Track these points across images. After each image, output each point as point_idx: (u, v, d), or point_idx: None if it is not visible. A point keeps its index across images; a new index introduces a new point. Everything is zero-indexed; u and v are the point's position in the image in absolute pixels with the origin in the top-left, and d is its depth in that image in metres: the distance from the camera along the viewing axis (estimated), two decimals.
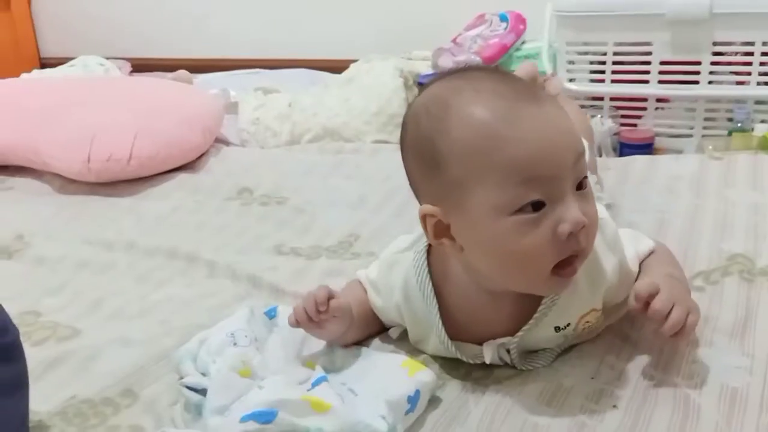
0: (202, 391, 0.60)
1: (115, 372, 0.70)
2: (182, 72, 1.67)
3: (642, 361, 0.67)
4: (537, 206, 0.57)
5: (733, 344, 0.67)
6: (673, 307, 0.61)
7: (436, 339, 0.67)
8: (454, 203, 0.59)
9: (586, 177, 0.59)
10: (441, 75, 0.65)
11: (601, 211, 0.68)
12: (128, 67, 1.97)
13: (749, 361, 0.65)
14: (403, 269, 0.67)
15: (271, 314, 0.73)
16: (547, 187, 0.57)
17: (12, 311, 0.61)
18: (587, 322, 0.67)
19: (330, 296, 0.66)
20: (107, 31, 2.11)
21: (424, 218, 0.62)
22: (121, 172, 1.17)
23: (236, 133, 1.41)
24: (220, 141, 1.38)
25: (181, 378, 0.65)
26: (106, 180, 1.18)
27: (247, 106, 1.44)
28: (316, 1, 1.88)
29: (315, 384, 0.64)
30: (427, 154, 0.60)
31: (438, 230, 0.61)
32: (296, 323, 0.67)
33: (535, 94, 0.60)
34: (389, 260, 0.69)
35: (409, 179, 0.65)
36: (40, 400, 0.63)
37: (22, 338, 0.59)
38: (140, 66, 1.99)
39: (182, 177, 1.22)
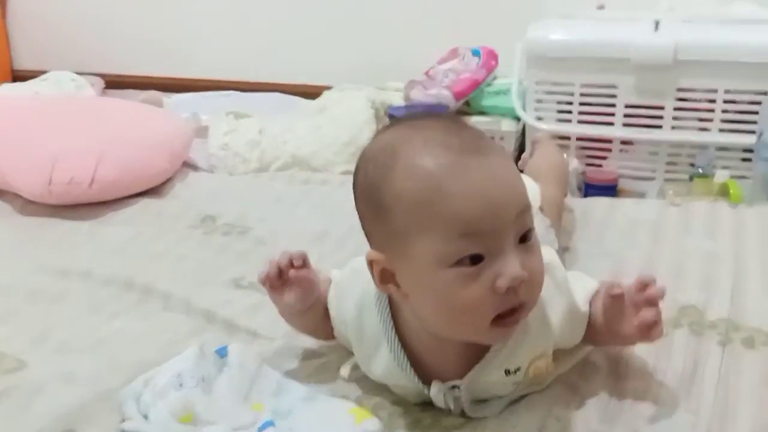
0: None
1: (56, 409, 0.69)
2: (153, 93, 1.66)
3: (588, 413, 0.67)
4: (475, 260, 0.57)
5: (679, 399, 0.68)
6: (658, 303, 0.63)
7: (387, 360, 0.66)
8: (398, 252, 0.60)
9: (530, 230, 0.60)
10: (395, 121, 0.67)
11: (551, 255, 0.69)
12: (101, 83, 1.96)
13: (694, 417, 0.65)
14: (365, 281, 0.67)
15: (221, 353, 0.72)
16: (487, 242, 0.57)
17: None
18: (537, 367, 0.67)
19: (305, 261, 0.69)
20: (81, 47, 2.09)
21: (371, 263, 0.62)
22: (82, 195, 1.16)
23: (205, 157, 1.41)
24: (189, 165, 1.37)
25: (123, 420, 0.64)
26: (67, 203, 1.17)
27: (217, 131, 1.44)
28: (292, 26, 1.89)
29: (261, 428, 0.64)
30: (373, 201, 0.61)
31: (384, 276, 0.62)
32: (265, 277, 0.69)
33: (483, 146, 0.60)
34: (357, 270, 0.69)
35: (360, 222, 0.65)
36: None
37: None
38: (113, 83, 1.97)
39: (146, 202, 1.21)
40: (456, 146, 0.59)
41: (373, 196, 0.61)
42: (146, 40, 2.03)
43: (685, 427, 0.64)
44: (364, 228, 0.65)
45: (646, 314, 0.63)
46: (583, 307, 0.68)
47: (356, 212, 0.65)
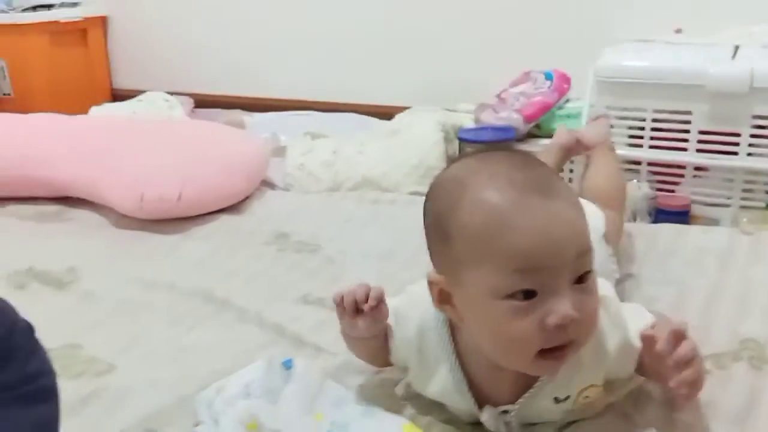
0: None
1: (141, 411, 0.76)
2: (235, 116, 1.76)
3: None
4: (528, 295, 0.59)
5: None
6: (694, 359, 0.62)
7: (446, 380, 0.69)
8: (456, 277, 0.63)
9: (589, 272, 0.61)
10: (467, 153, 0.69)
11: (607, 288, 0.71)
12: (191, 103, 2.09)
13: None
14: (424, 308, 0.70)
15: (287, 365, 0.77)
16: (542, 279, 0.59)
17: (56, 343, 0.67)
18: (587, 396, 0.68)
19: (381, 298, 0.70)
20: (174, 68, 2.24)
21: (430, 284, 0.66)
22: (170, 211, 1.25)
23: (282, 176, 1.48)
24: (266, 183, 1.45)
25: (197, 423, 0.70)
26: (156, 218, 1.26)
27: (294, 151, 1.51)
28: (368, 48, 1.95)
29: None
30: (440, 228, 0.65)
31: (442, 297, 0.66)
32: (340, 301, 0.70)
33: (549, 185, 0.62)
34: (415, 296, 0.72)
35: (427, 244, 0.69)
36: None
37: (61, 370, 0.65)
38: (202, 102, 2.10)
39: (225, 218, 1.29)
40: (520, 183, 0.61)
41: (440, 224, 0.65)
42: (233, 61, 2.16)
43: None
44: (429, 249, 0.68)
45: (685, 375, 0.62)
46: (636, 342, 0.69)
47: (424, 234, 0.69)
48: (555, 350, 0.61)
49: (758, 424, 0.69)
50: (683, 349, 0.62)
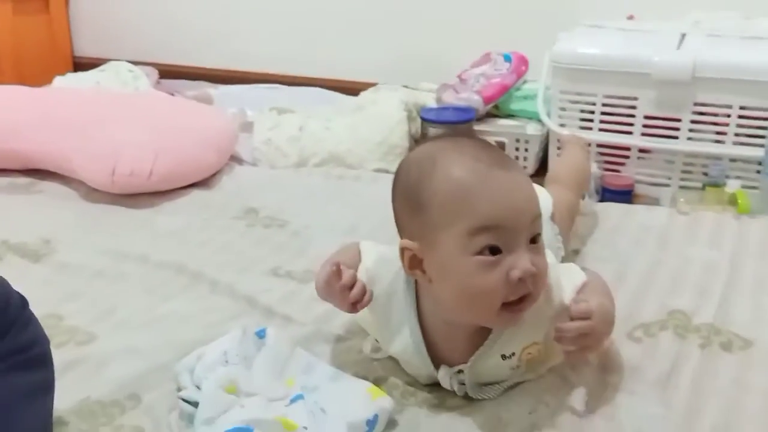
0: (195, 403, 0.71)
1: (123, 377, 0.81)
2: (203, 91, 1.78)
3: (574, 401, 0.77)
4: (494, 251, 0.69)
5: (655, 394, 0.77)
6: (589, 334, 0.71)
7: (406, 341, 0.77)
8: (429, 241, 0.71)
9: (539, 234, 0.71)
10: (435, 137, 0.77)
11: (549, 257, 0.79)
12: (155, 73, 2.09)
13: (665, 410, 0.75)
14: (395, 272, 0.78)
15: (260, 335, 0.83)
16: (505, 237, 0.69)
17: (38, 313, 0.71)
18: (529, 353, 0.77)
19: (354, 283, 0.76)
20: (138, 37, 2.23)
21: (402, 251, 0.74)
22: (141, 186, 1.29)
23: (250, 151, 1.52)
24: (234, 158, 1.49)
25: (179, 389, 0.76)
26: (128, 192, 1.30)
27: (261, 127, 1.55)
28: (334, 24, 1.99)
29: (293, 401, 0.75)
30: (412, 198, 0.73)
31: (413, 262, 0.74)
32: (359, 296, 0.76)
33: (506, 163, 0.73)
34: (388, 259, 0.79)
35: (395, 216, 0.77)
36: (60, 399, 0.73)
37: None
38: (167, 72, 2.10)
39: (196, 193, 1.33)
40: (485, 158, 0.72)
41: (412, 195, 0.73)
42: (198, 32, 2.16)
43: (656, 419, 0.73)
44: (398, 221, 0.77)
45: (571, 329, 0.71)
46: (569, 299, 0.77)
47: (392, 208, 0.77)
48: (515, 303, 0.70)
49: (679, 386, 0.78)
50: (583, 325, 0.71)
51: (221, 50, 2.14)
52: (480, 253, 0.69)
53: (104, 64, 1.98)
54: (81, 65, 2.21)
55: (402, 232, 0.76)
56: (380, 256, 0.82)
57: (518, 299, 0.70)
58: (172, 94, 1.79)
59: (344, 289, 0.76)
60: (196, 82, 2.08)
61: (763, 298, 0.94)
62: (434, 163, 0.72)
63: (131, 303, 0.98)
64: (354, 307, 0.77)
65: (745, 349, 0.84)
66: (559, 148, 1.37)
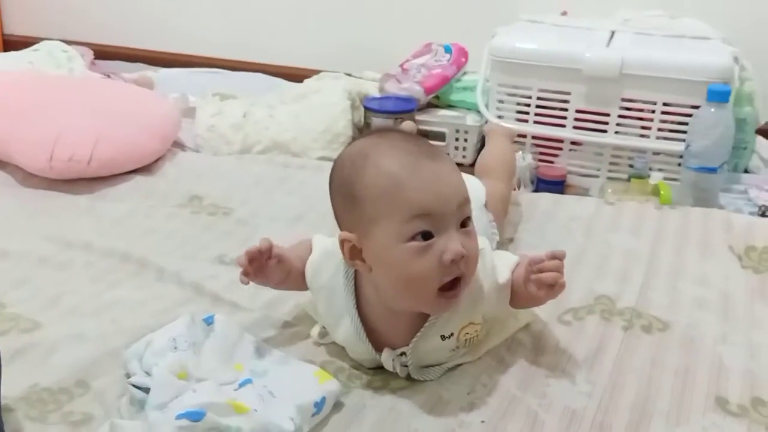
0: (146, 389, 0.73)
1: (70, 364, 0.82)
2: (144, 76, 1.76)
3: (509, 381, 0.82)
4: (426, 236, 0.73)
5: (582, 373, 0.83)
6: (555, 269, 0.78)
7: (349, 328, 0.81)
8: (365, 232, 0.76)
9: (469, 218, 0.76)
10: (367, 133, 0.81)
11: (483, 242, 0.85)
12: (90, 54, 2.04)
13: (590, 387, 0.81)
14: (336, 265, 0.83)
15: (208, 321, 0.85)
16: (435, 223, 0.73)
17: None
18: (467, 333, 0.82)
19: (270, 246, 0.82)
20: (72, 15, 2.16)
21: (342, 243, 0.78)
22: (81, 172, 1.28)
23: (192, 138, 1.52)
24: (177, 145, 1.49)
25: (128, 375, 0.78)
26: (67, 178, 1.28)
27: (204, 113, 1.55)
28: (278, 9, 1.98)
29: (242, 385, 0.78)
30: (347, 193, 0.77)
31: (352, 253, 0.78)
32: (245, 262, 0.82)
33: (435, 154, 0.77)
34: (331, 252, 0.84)
35: (333, 210, 0.81)
36: (7, 386, 0.74)
37: None
38: (102, 53, 2.05)
39: (138, 179, 1.33)
40: (414, 151, 0.76)
41: (347, 189, 0.77)
42: (137, 11, 2.11)
43: (582, 396, 0.80)
44: (336, 215, 0.81)
45: (545, 277, 0.78)
46: (504, 279, 0.82)
47: (331, 203, 0.81)
48: (449, 288, 0.74)
49: (603, 364, 0.85)
50: (543, 264, 0.78)
51: (160, 32, 2.10)
52: (412, 239, 0.73)
53: (36, 43, 1.92)
54: (11, 44, 2.14)
55: (341, 224, 0.80)
56: (324, 249, 0.86)
57: (452, 284, 0.75)
58: (108, 76, 1.76)
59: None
60: (134, 64, 2.05)
61: (679, 283, 1.02)
62: (366, 157, 0.76)
63: (77, 290, 0.98)
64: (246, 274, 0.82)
65: (663, 330, 0.91)
66: (484, 136, 1.41)
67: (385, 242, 0.74)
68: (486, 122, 1.51)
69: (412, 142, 0.78)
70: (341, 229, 0.79)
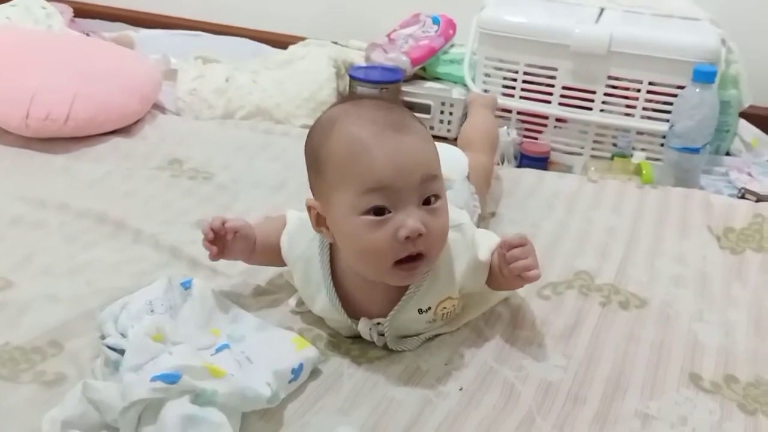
0: (120, 351, 0.72)
1: (43, 324, 0.81)
2: (124, 35, 1.72)
3: (487, 353, 0.83)
4: (379, 212, 0.72)
5: (558, 346, 0.84)
6: (529, 257, 0.78)
7: (325, 299, 0.81)
8: (327, 201, 0.75)
9: (435, 196, 0.74)
10: (343, 99, 0.81)
11: (464, 217, 0.84)
12: (70, 12, 1.98)
13: (566, 361, 0.82)
14: (312, 236, 0.82)
15: (186, 285, 0.85)
16: (392, 198, 0.72)
17: None
18: (444, 307, 0.82)
19: (223, 221, 0.83)
20: None
21: (309, 209, 0.78)
22: (57, 131, 1.25)
23: (173, 101, 1.49)
24: (157, 107, 1.46)
25: (103, 337, 0.77)
26: (43, 137, 1.25)
27: (185, 76, 1.52)
28: None
29: (219, 350, 0.77)
30: (313, 158, 0.77)
31: (318, 220, 0.77)
32: (208, 244, 0.83)
33: (405, 124, 0.75)
34: (306, 222, 0.82)
35: (308, 176, 0.80)
36: None
37: None
38: (81, 11, 2.00)
39: (117, 141, 1.30)
40: (380, 121, 0.74)
41: (314, 156, 0.77)
42: None
43: (558, 369, 0.80)
44: (309, 182, 0.80)
45: (518, 265, 0.78)
46: (484, 257, 0.82)
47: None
48: (409, 262, 0.73)
49: (580, 338, 0.86)
50: (514, 251, 0.78)
51: None
52: (367, 213, 0.71)
53: None
54: None
55: (311, 190, 0.79)
56: (299, 220, 0.85)
57: (411, 257, 0.73)
58: (87, 34, 1.71)
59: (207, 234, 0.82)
60: (114, 24, 1.99)
61: (657, 261, 1.03)
62: (333, 124, 0.75)
63: (51, 251, 0.96)
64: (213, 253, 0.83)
65: (640, 307, 0.92)
66: (466, 106, 1.39)
67: (342, 212, 0.73)
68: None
69: (383, 112, 0.75)
70: (312, 195, 0.78)
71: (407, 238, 0.71)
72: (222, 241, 0.84)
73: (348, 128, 0.74)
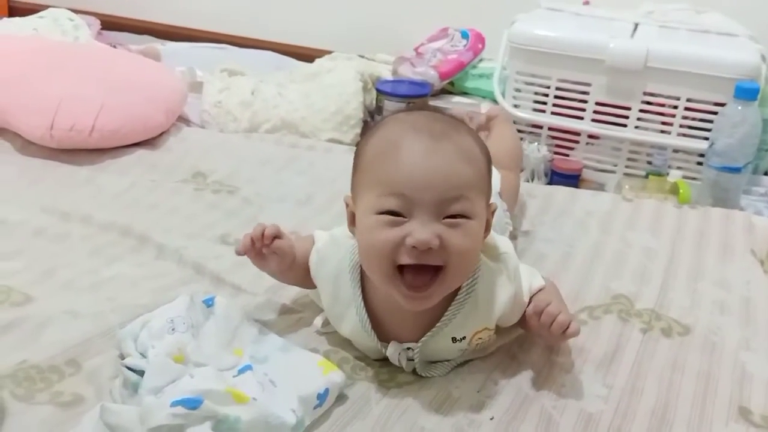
0: (140, 372, 0.69)
1: (62, 341, 0.78)
2: (151, 47, 1.71)
3: (522, 380, 0.79)
4: (395, 215, 0.70)
5: (598, 375, 0.80)
6: (560, 313, 0.74)
7: (354, 320, 0.77)
8: (356, 197, 0.74)
9: (460, 216, 0.70)
10: (406, 108, 0.80)
11: (506, 245, 0.80)
12: (97, 24, 1.99)
13: (607, 391, 0.77)
14: (343, 251, 0.79)
15: (208, 303, 0.82)
16: (408, 206, 0.69)
17: None
18: (479, 338, 0.78)
19: (277, 235, 0.79)
20: None
21: (346, 205, 0.76)
22: (82, 142, 1.23)
23: (198, 113, 1.48)
24: (182, 120, 1.44)
25: (122, 356, 0.74)
26: (68, 148, 1.24)
27: (211, 88, 1.50)
28: None
29: (241, 371, 0.74)
30: (355, 155, 0.76)
31: (351, 219, 0.76)
32: (242, 249, 0.79)
33: (445, 134, 0.71)
34: (337, 239, 0.80)
35: None
36: None
37: None
38: (109, 24, 2.00)
39: (141, 153, 1.28)
40: (420, 127, 0.72)
41: (357, 151, 0.76)
42: None
43: (598, 399, 0.76)
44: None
45: (557, 324, 0.74)
46: (526, 297, 0.79)
47: (349, 173, 0.78)
48: (418, 281, 0.70)
49: (621, 367, 0.81)
50: (549, 308, 0.75)
51: (170, 4, 2.05)
52: (383, 213, 0.70)
53: (42, 10, 1.87)
54: (17, 10, 2.09)
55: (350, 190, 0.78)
56: (331, 238, 0.82)
57: (423, 274, 0.69)
58: (114, 47, 1.71)
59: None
60: (141, 36, 2.00)
61: (698, 285, 0.98)
62: (380, 126, 0.75)
63: (73, 265, 0.94)
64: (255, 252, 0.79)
65: (684, 335, 0.87)
66: (488, 122, 1.35)
67: (363, 209, 0.72)
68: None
69: (428, 119, 0.73)
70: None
71: (414, 247, 0.68)
72: (260, 248, 0.79)
73: (387, 132, 0.73)
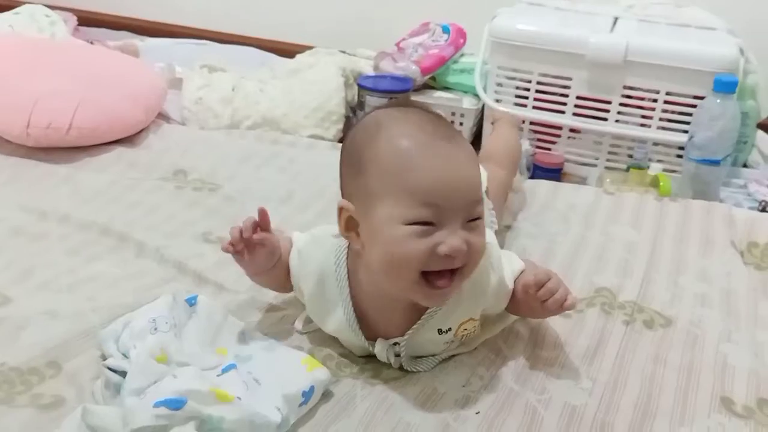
0: (122, 373, 0.68)
1: (41, 343, 0.77)
2: (129, 44, 1.69)
3: (507, 374, 0.79)
4: (425, 224, 0.68)
5: (582, 368, 0.80)
6: (560, 289, 0.75)
7: (341, 318, 0.77)
8: (366, 206, 0.71)
9: (478, 218, 0.71)
10: (387, 104, 0.80)
11: (490, 236, 0.80)
12: (74, 20, 1.96)
13: (591, 384, 0.78)
14: (326, 250, 0.78)
15: (191, 302, 0.81)
16: (440, 215, 0.68)
17: None
18: (465, 329, 0.78)
19: (265, 226, 0.77)
20: None
21: (340, 210, 0.73)
22: (59, 140, 1.21)
23: (178, 110, 1.46)
24: (162, 116, 1.43)
25: (104, 357, 0.73)
26: (44, 146, 1.22)
27: (191, 85, 1.49)
28: None
29: (225, 370, 0.73)
30: (355, 159, 0.72)
31: (348, 224, 0.73)
32: (229, 245, 0.77)
33: (452, 136, 0.71)
34: (319, 238, 0.79)
35: (340, 176, 0.76)
36: None
37: None
38: (86, 20, 1.97)
39: (120, 150, 1.27)
40: (430, 130, 0.70)
41: (355, 157, 0.72)
42: None
43: (582, 392, 0.76)
44: (341, 181, 0.75)
45: (556, 299, 0.75)
46: (510, 284, 0.79)
47: (333, 170, 0.77)
48: (441, 279, 0.69)
49: (604, 360, 0.82)
50: (549, 284, 0.76)
51: (146, 0, 2.03)
52: (412, 224, 0.68)
53: (18, 6, 1.83)
54: None
55: (343, 192, 0.75)
56: (312, 237, 0.81)
57: (445, 275, 0.69)
58: (92, 43, 1.69)
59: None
60: (119, 32, 1.97)
61: (680, 278, 0.99)
62: (379, 128, 0.71)
63: (52, 264, 0.92)
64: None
65: (666, 326, 0.88)
66: (492, 123, 1.38)
67: (383, 220, 0.69)
68: (483, 106, 1.47)
69: (431, 122, 0.72)
70: (342, 197, 0.74)
71: (447, 255, 0.68)
72: (249, 240, 0.77)
73: (397, 134, 0.70)
